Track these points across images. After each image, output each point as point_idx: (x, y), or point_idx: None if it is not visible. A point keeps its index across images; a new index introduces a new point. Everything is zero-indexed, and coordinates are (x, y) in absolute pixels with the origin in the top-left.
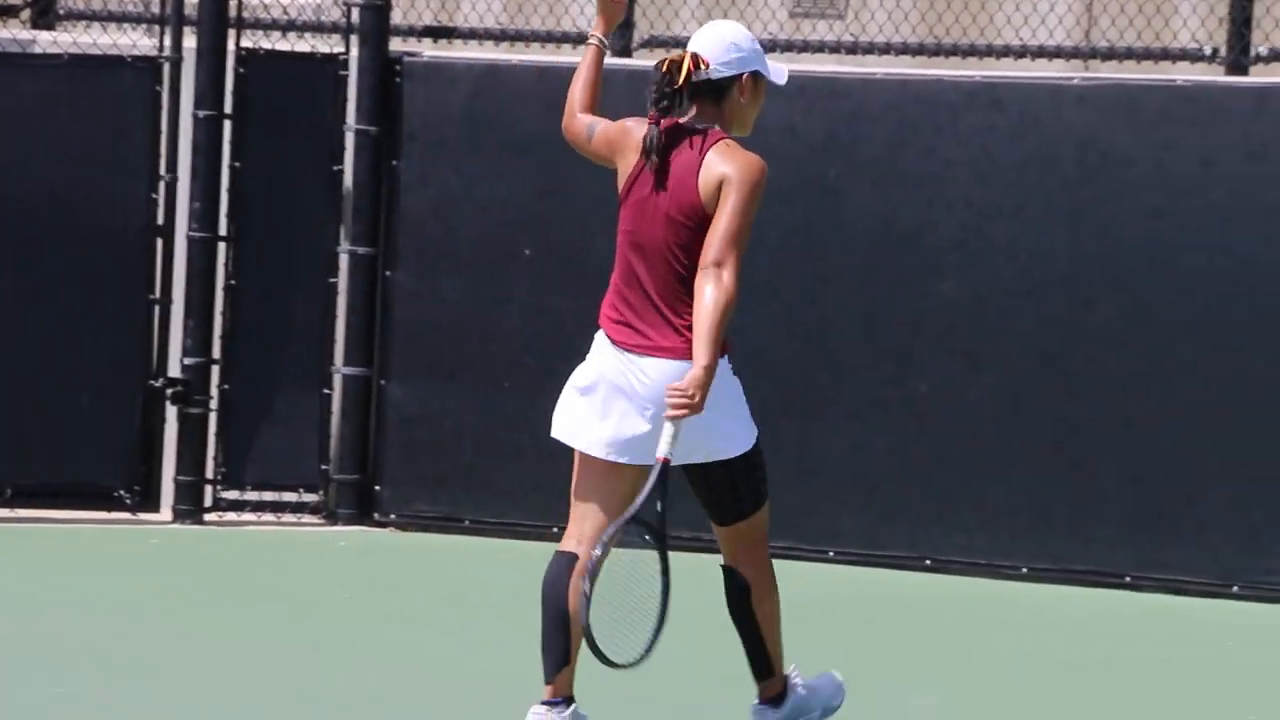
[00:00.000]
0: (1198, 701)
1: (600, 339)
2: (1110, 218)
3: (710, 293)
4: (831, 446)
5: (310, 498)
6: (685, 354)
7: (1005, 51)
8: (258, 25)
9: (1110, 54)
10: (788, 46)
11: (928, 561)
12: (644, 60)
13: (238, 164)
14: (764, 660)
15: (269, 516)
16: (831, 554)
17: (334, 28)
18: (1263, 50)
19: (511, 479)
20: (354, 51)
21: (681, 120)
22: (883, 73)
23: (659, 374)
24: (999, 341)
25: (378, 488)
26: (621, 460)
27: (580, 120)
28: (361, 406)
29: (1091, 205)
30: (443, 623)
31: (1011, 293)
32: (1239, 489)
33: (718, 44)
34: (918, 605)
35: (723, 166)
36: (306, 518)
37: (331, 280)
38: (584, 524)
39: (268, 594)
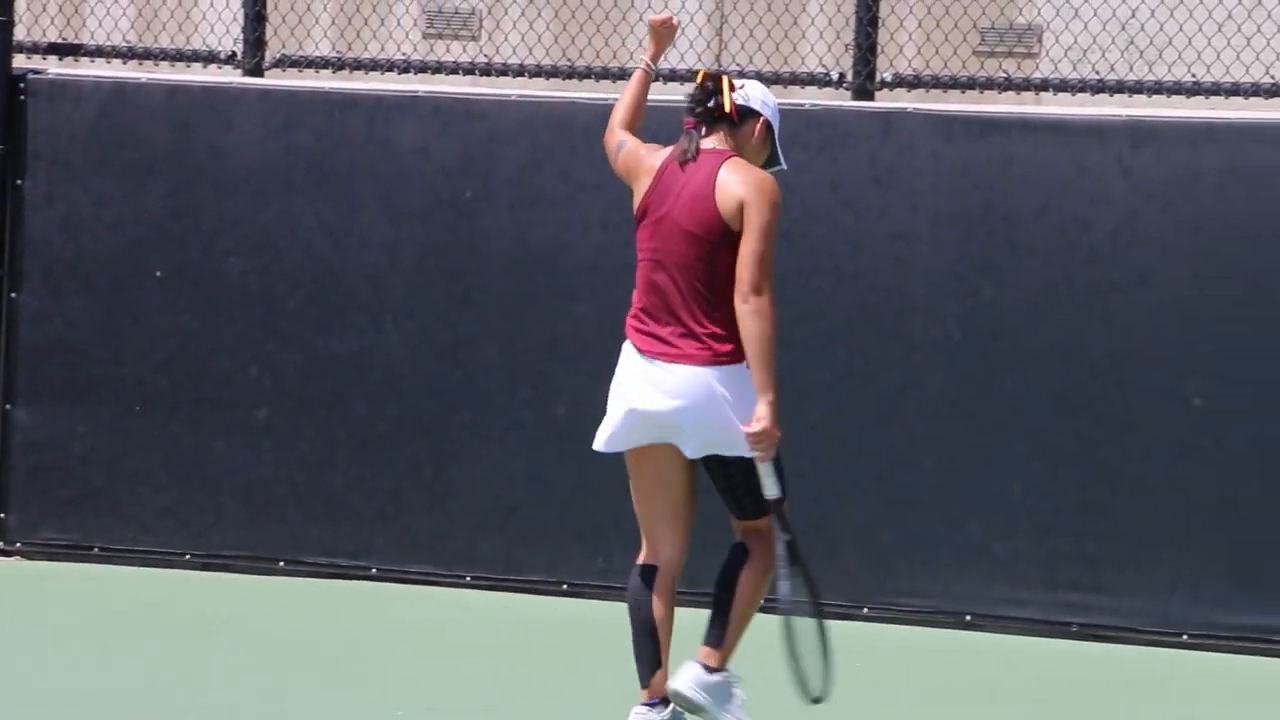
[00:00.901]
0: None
1: (628, 349)
2: None
3: (754, 327)
4: (469, 469)
5: None
6: (709, 360)
7: None
8: None
9: (740, 77)
10: (422, 68)
11: (565, 585)
12: (276, 80)
13: None
14: (723, 627)
15: None
16: (469, 578)
17: None
18: (888, 76)
19: (143, 505)
20: None
21: (700, 140)
22: (517, 94)
23: (686, 377)
24: None
25: (3, 515)
26: (656, 440)
27: (615, 136)
28: None
29: None
30: (68, 652)
31: None
32: (869, 511)
33: (754, 85)
34: (555, 630)
35: (740, 185)
36: None
37: None
38: (654, 533)
39: None
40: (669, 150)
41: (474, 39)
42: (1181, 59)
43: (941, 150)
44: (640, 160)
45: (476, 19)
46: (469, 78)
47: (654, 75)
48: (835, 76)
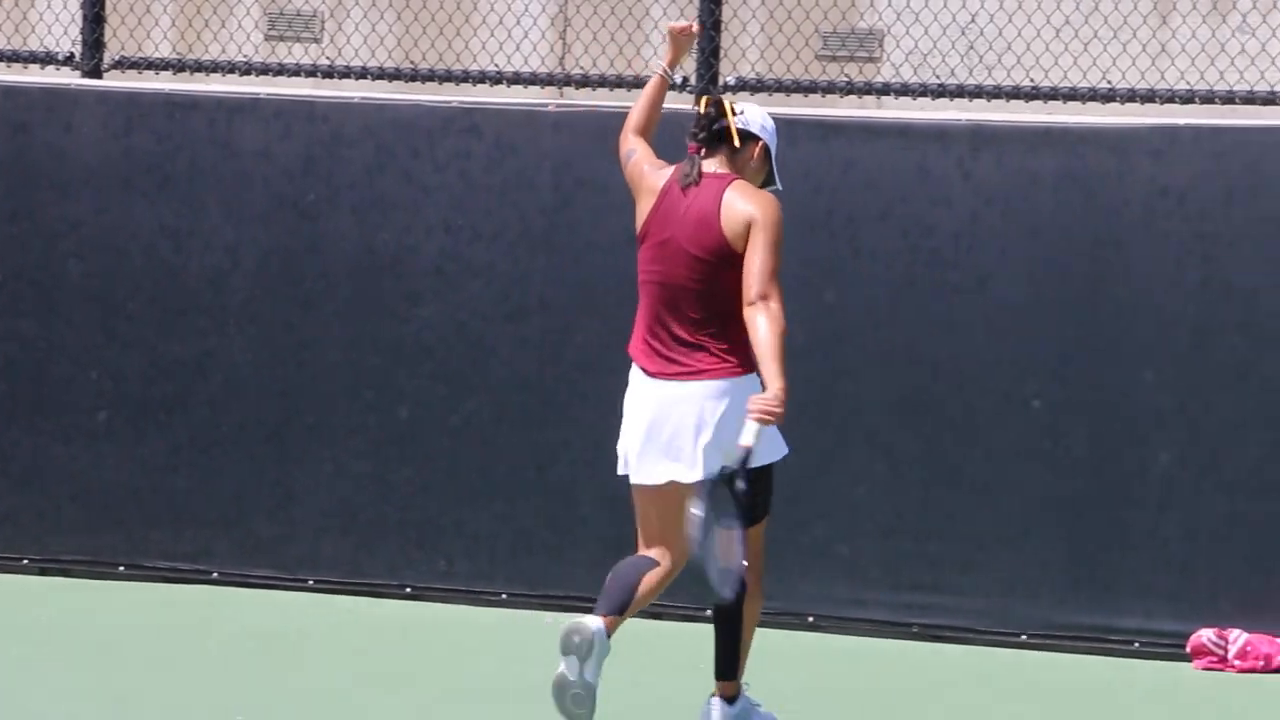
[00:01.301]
0: None
1: (636, 374)
2: (587, 243)
3: (764, 325)
4: (311, 473)
5: None
6: (724, 373)
7: (482, 77)
8: None
9: (585, 81)
10: (263, 70)
11: (408, 588)
12: (116, 81)
13: None
14: (733, 659)
15: None
16: (311, 582)
17: None
18: (731, 79)
19: None
20: None
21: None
22: (360, 97)
23: (702, 393)
24: (479, 366)
25: None
26: (666, 481)
27: (627, 142)
28: None
29: (568, 231)
30: None
31: (490, 317)
32: None
33: (753, 110)
34: (398, 632)
35: (747, 206)
36: None
37: None
38: (658, 543)
39: None
40: (672, 170)
41: (316, 41)
42: (1020, 63)
43: (784, 154)
44: (644, 177)
45: (318, 21)
46: (311, 80)
47: (670, 81)
48: (679, 80)
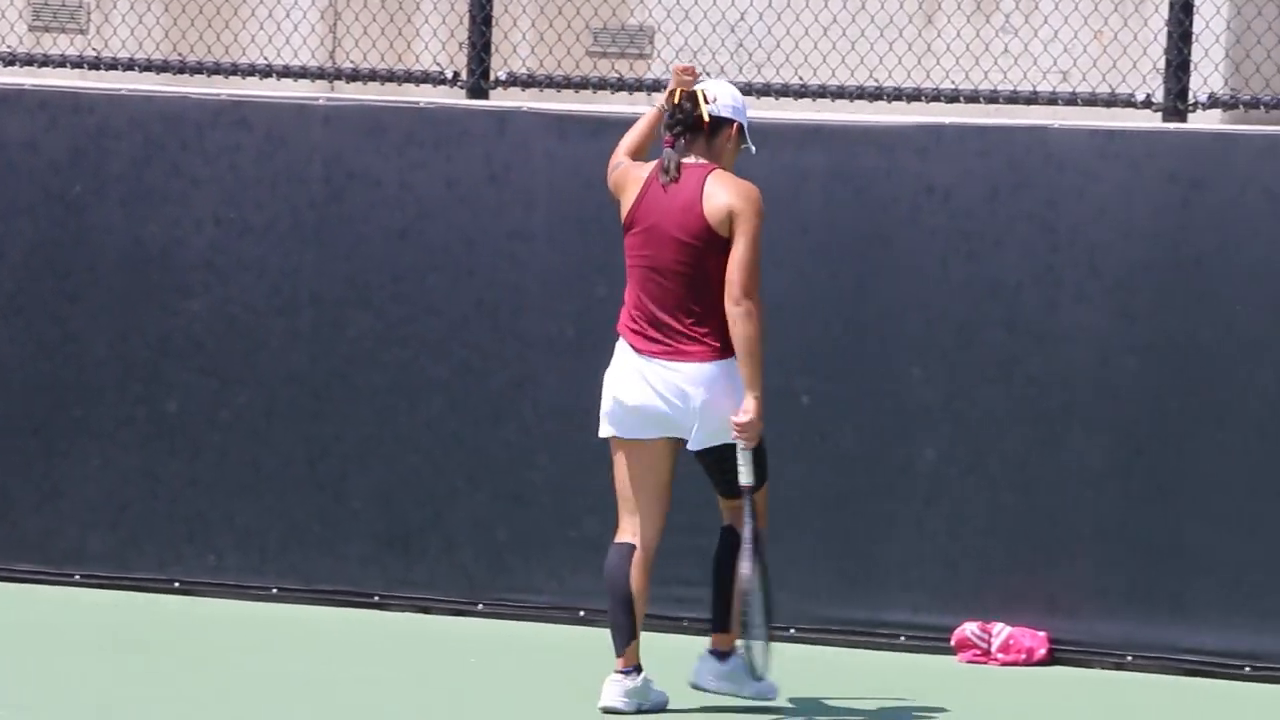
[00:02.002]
0: (441, 717)
1: (623, 348)
2: (358, 237)
3: (743, 327)
4: (79, 467)
5: None
6: (710, 356)
7: (251, 70)
8: None
9: (355, 75)
10: (28, 60)
11: (177, 583)
12: None
13: None
14: (727, 609)
15: None
16: (78, 577)
17: None
18: (502, 75)
19: None
20: None
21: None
22: (128, 89)
23: (691, 373)
24: (249, 360)
25: None
26: (649, 436)
27: (615, 159)
28: None
29: (339, 224)
30: None
31: (261, 311)
32: (484, 507)
33: (724, 91)
34: (167, 628)
35: (727, 195)
36: None
37: None
38: (635, 515)
39: None
40: (654, 165)
41: (82, 32)
42: (789, 61)
43: (556, 149)
44: (628, 173)
45: (84, 12)
46: (77, 71)
47: (665, 115)
48: (450, 75)
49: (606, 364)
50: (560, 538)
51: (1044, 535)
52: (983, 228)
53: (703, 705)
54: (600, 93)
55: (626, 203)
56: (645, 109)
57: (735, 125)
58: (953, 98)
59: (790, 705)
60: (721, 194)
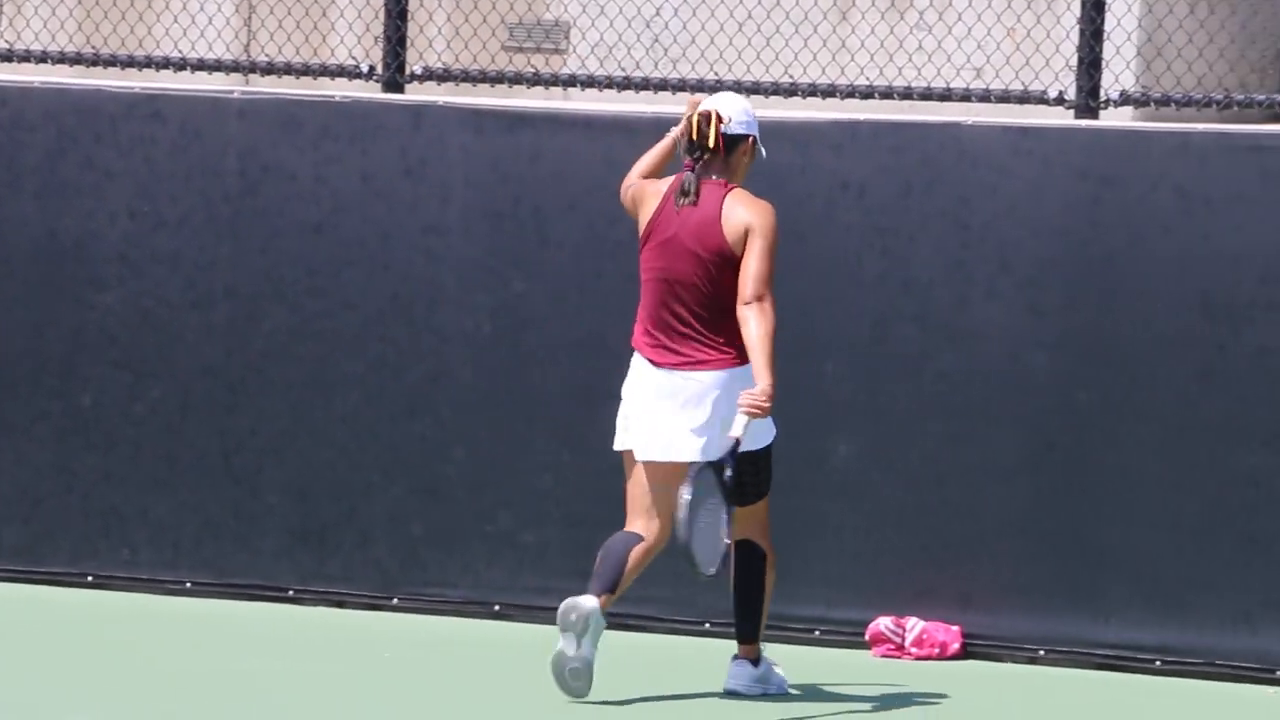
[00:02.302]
0: (356, 712)
1: (639, 362)
2: (273, 231)
3: (757, 325)
4: None
5: None
6: (723, 364)
7: (165, 63)
8: None
9: (270, 69)
10: None
11: (90, 578)
12: None
13: None
14: (755, 624)
15: None
16: None
17: None
18: (418, 69)
19: None
20: None
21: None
22: (40, 81)
23: (705, 381)
24: (164, 353)
25: None
26: (667, 459)
27: (629, 178)
28: None
29: (254, 218)
30: None
31: (176, 305)
32: (399, 501)
33: (736, 107)
34: (81, 623)
35: (745, 214)
36: None
37: None
38: (647, 516)
39: None
40: (671, 180)
41: None
42: (704, 57)
43: (472, 144)
44: (645, 187)
45: None
46: None
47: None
48: (365, 69)
49: (523, 359)
50: (476, 532)
51: (957, 530)
52: (896, 224)
53: (639, 697)
54: (516, 87)
55: (645, 215)
56: (561, 104)
57: (750, 139)
58: (867, 94)
59: (702, 699)
60: (741, 212)
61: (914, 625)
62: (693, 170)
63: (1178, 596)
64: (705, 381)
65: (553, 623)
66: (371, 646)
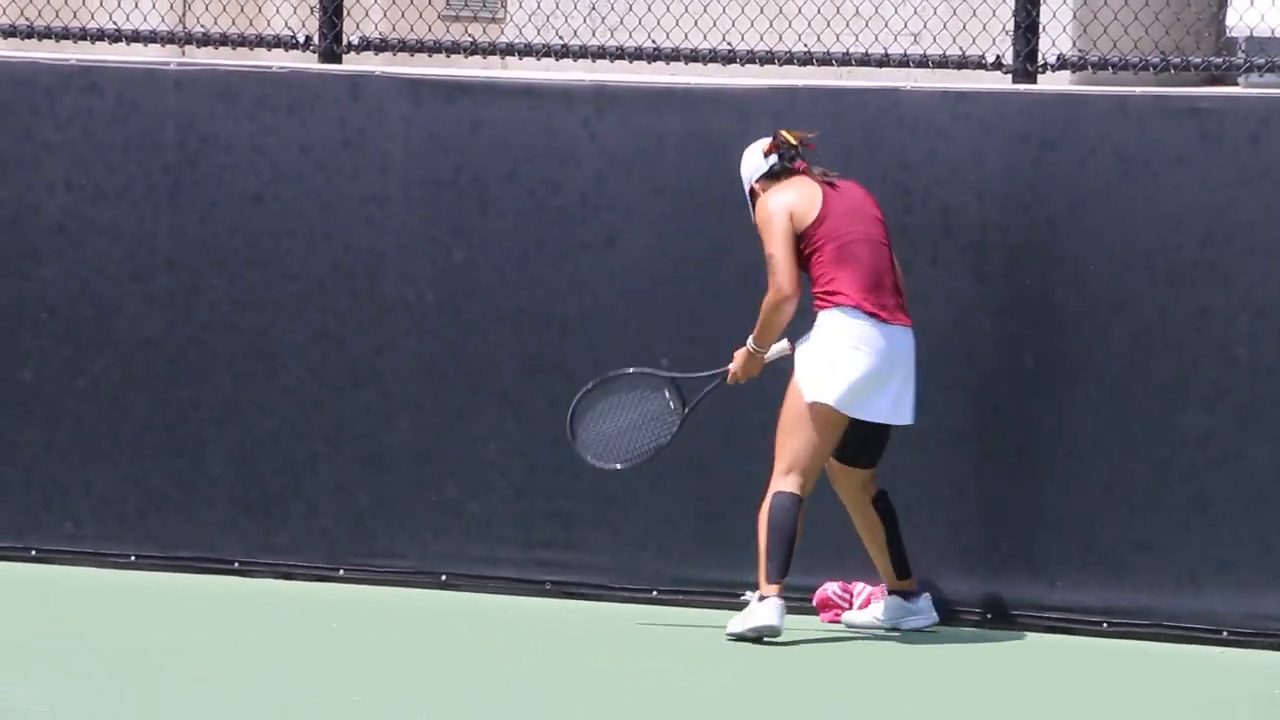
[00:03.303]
0: (305, 683)
1: (856, 322)
2: (212, 202)
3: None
4: None
5: None
6: (910, 321)
7: (101, 35)
8: None
9: (206, 40)
10: None
11: (34, 551)
12: None
13: None
14: (906, 560)
15: None
16: None
17: None
18: (355, 39)
19: None
20: None
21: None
22: None
23: (905, 338)
24: (104, 326)
25: None
26: (865, 417)
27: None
28: None
29: (193, 189)
30: None
31: (116, 276)
32: (345, 472)
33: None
34: (24, 597)
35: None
36: None
37: None
38: (813, 476)
39: None
40: (796, 182)
41: None
42: (642, 25)
43: (410, 113)
44: (789, 196)
45: None
46: None
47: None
48: (302, 39)
49: (466, 328)
50: (422, 502)
51: (902, 495)
52: None
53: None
54: (454, 56)
55: (808, 212)
56: (499, 73)
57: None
58: (805, 60)
59: (648, 667)
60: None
61: (861, 590)
62: (807, 170)
63: (1123, 559)
64: (904, 337)
65: (500, 592)
66: (319, 617)
